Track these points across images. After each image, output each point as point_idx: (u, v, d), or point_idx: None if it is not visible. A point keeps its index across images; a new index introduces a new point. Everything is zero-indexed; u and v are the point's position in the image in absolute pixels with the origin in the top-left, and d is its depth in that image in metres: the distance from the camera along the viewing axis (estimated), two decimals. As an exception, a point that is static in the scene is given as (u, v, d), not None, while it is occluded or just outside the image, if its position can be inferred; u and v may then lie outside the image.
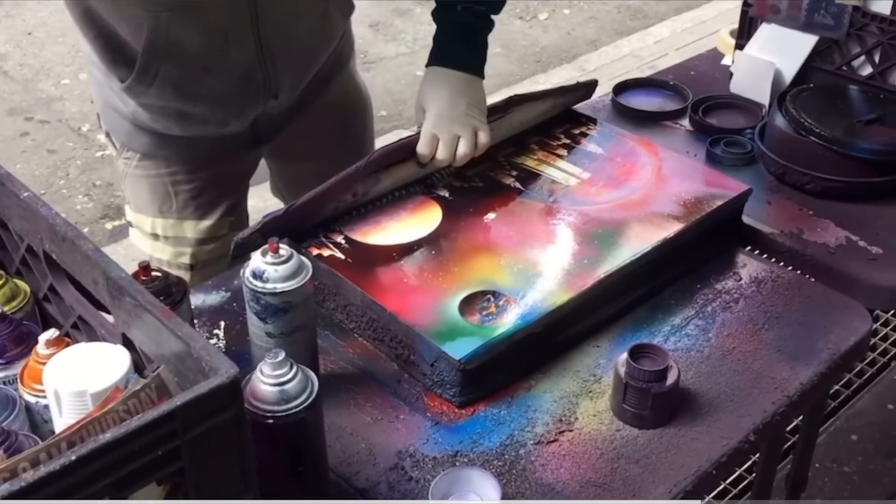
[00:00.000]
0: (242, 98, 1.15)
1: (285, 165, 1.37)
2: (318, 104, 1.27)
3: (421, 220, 1.11)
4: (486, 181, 1.18)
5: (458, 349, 0.92)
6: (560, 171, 1.21)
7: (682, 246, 1.09)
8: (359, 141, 1.37)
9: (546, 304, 0.98)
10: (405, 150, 1.13)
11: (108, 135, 1.22)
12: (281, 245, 0.88)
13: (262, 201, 1.50)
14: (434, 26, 1.21)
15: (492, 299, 0.98)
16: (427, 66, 1.19)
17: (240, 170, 1.27)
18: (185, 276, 1.21)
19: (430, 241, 1.07)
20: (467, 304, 0.98)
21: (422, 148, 1.11)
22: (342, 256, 1.04)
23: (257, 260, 0.88)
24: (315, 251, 1.04)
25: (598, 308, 1.03)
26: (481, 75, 1.19)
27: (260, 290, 0.87)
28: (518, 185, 1.18)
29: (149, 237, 1.23)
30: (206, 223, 1.21)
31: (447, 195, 1.16)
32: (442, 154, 1.12)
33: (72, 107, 3.29)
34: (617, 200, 1.14)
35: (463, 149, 1.12)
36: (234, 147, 1.21)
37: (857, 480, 1.81)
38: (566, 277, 1.01)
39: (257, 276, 0.87)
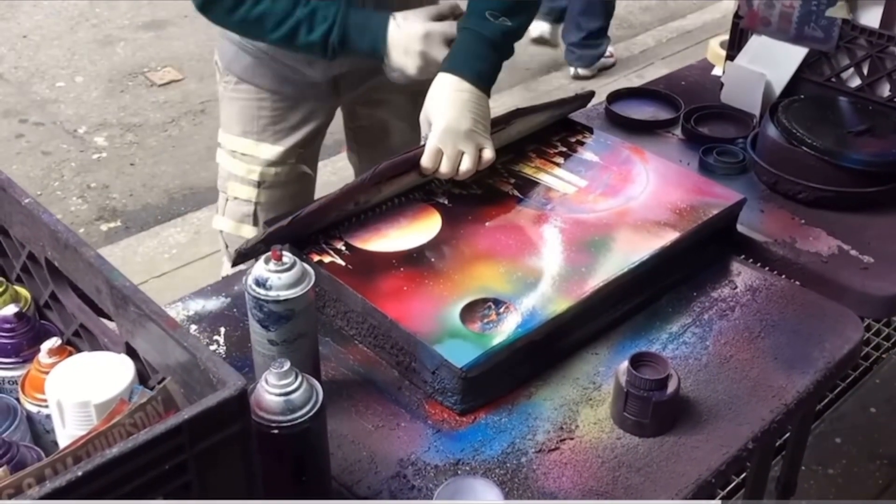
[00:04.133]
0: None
1: (361, 121, 1.50)
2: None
3: (421, 228, 1.11)
4: (484, 188, 1.19)
5: (460, 357, 0.92)
6: (557, 179, 1.22)
7: (679, 254, 1.10)
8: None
9: (546, 311, 0.98)
10: (409, 163, 1.13)
11: (216, 62, 1.40)
12: (284, 252, 0.87)
13: (332, 174, 1.56)
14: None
15: (492, 307, 0.99)
16: (441, 70, 1.19)
17: (318, 111, 1.40)
18: (253, 192, 1.37)
19: (430, 249, 1.07)
20: (468, 312, 0.98)
21: (426, 162, 1.13)
22: (343, 263, 1.04)
23: (260, 268, 0.87)
24: (316, 258, 1.04)
25: (597, 316, 1.04)
26: (489, 93, 1.21)
27: (263, 297, 0.86)
28: (516, 192, 1.19)
29: (228, 154, 1.39)
30: (279, 148, 1.36)
31: (446, 202, 1.16)
32: (445, 169, 1.14)
33: (67, 109, 3.28)
34: (614, 208, 1.15)
35: (466, 165, 1.14)
36: (316, 91, 1.36)
37: (842, 483, 1.84)
38: (565, 285, 1.02)
39: (260, 283, 0.86)
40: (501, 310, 0.98)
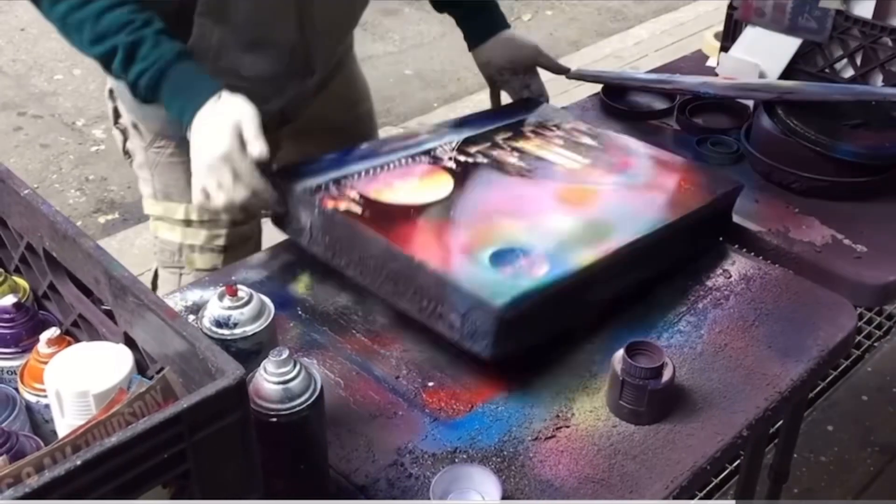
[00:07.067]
0: (284, 76, 1.19)
1: (299, 147, 1.40)
2: (335, 83, 1.32)
3: (433, 184, 1.09)
4: (490, 158, 1.17)
5: (496, 297, 0.88)
6: (560, 157, 1.21)
7: (686, 229, 1.10)
8: (366, 124, 1.46)
9: (575, 263, 0.96)
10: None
11: (134, 126, 1.20)
12: (239, 287, 0.86)
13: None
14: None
15: (521, 255, 0.97)
16: (474, 45, 1.35)
17: (269, 145, 1.30)
18: (218, 258, 1.22)
19: (448, 203, 1.05)
20: (497, 259, 0.95)
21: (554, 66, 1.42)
22: (359, 210, 1.01)
23: (216, 307, 0.85)
24: (331, 204, 1.01)
25: (619, 275, 1.03)
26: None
27: (229, 337, 0.84)
28: (522, 164, 1.17)
29: (180, 224, 1.22)
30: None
31: (454, 167, 1.14)
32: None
33: (65, 102, 3.28)
34: (621, 183, 1.15)
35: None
36: (265, 128, 1.25)
37: (834, 470, 1.86)
38: (590, 241, 1.00)
39: (222, 324, 0.84)
40: (532, 257, 0.96)
